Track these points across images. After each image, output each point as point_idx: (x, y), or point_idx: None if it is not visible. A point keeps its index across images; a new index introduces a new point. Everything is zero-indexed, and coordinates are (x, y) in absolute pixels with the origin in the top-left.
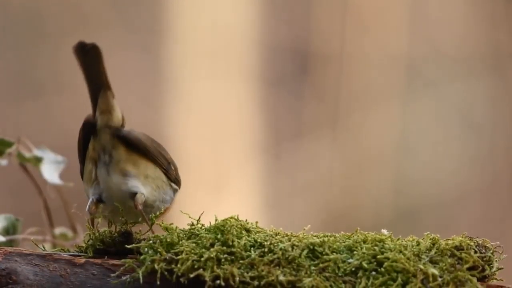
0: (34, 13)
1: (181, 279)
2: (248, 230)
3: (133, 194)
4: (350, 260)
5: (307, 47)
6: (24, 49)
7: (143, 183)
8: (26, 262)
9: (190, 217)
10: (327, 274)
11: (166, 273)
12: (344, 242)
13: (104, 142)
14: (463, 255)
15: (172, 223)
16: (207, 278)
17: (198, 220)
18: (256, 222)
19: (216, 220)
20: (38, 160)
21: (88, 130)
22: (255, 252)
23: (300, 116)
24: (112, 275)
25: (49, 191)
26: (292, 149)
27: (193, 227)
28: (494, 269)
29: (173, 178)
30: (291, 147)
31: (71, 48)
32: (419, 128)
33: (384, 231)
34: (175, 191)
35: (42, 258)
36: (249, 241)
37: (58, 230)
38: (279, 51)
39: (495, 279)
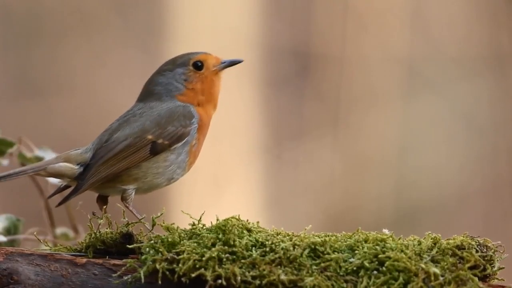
0: (34, 13)
1: (183, 279)
2: (249, 230)
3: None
4: (352, 260)
5: (308, 48)
6: (25, 49)
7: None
8: (28, 262)
9: (191, 217)
10: (328, 274)
11: (167, 273)
12: (345, 242)
13: None
14: (465, 254)
15: (173, 223)
16: (208, 278)
17: (199, 220)
18: (257, 222)
19: (217, 220)
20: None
21: None
22: (256, 251)
23: (301, 116)
24: (114, 275)
25: (50, 191)
26: (293, 149)
27: (194, 227)
28: (496, 268)
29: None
30: (292, 147)
31: None
32: (420, 129)
33: (386, 231)
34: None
35: (43, 258)
36: (251, 240)
37: (59, 230)
38: (280, 52)
39: (497, 278)
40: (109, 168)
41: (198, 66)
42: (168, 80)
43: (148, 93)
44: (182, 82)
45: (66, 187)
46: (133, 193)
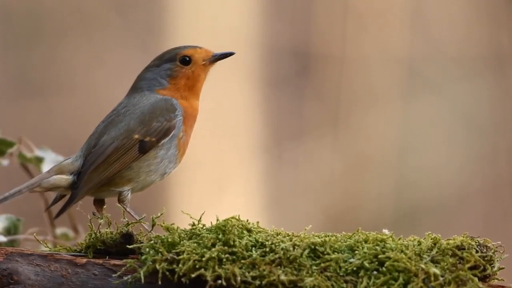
0: (34, 13)
1: (183, 279)
2: (249, 230)
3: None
4: (352, 260)
5: (308, 48)
6: (25, 49)
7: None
8: (28, 262)
9: (191, 217)
10: (328, 274)
11: (167, 273)
12: (345, 242)
13: None
14: (465, 254)
15: (173, 223)
16: (208, 278)
17: (199, 220)
18: (257, 222)
19: (217, 220)
20: (39, 160)
21: None
22: (256, 252)
23: (301, 116)
24: (114, 275)
25: (50, 191)
26: (293, 149)
27: (194, 227)
28: (496, 268)
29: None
30: (292, 147)
31: None
32: (420, 128)
33: (386, 231)
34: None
35: (43, 258)
36: (251, 241)
37: (59, 230)
38: (280, 52)
39: (497, 278)
40: (100, 173)
41: (186, 61)
42: (153, 76)
43: (134, 88)
44: (166, 78)
45: (63, 196)
46: (129, 194)
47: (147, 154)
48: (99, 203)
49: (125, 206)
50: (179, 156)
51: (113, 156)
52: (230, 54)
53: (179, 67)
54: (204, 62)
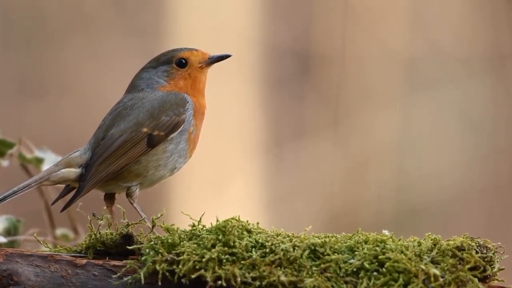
0: (37, 14)
1: (183, 280)
2: (249, 231)
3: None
4: (352, 261)
5: (308, 48)
6: (26, 49)
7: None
8: (27, 263)
9: (191, 218)
10: (328, 275)
11: (167, 273)
12: (345, 243)
13: None
14: (465, 255)
15: (173, 224)
16: (208, 279)
17: (199, 221)
18: (257, 223)
19: (217, 221)
20: (39, 161)
21: None
22: (256, 252)
23: (301, 116)
24: (114, 276)
25: (50, 192)
26: (293, 150)
27: (194, 228)
28: (496, 269)
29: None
30: (293, 147)
31: None
32: (420, 128)
33: (385, 232)
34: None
35: (43, 259)
36: (251, 241)
37: (59, 231)
38: (280, 52)
39: (497, 279)
40: (108, 166)
41: (182, 63)
42: (150, 76)
43: (133, 87)
44: (164, 78)
45: (69, 190)
46: (137, 189)
47: (155, 148)
48: (109, 199)
49: (132, 201)
50: (189, 150)
51: (121, 150)
52: (227, 56)
53: (175, 69)
54: (200, 65)
